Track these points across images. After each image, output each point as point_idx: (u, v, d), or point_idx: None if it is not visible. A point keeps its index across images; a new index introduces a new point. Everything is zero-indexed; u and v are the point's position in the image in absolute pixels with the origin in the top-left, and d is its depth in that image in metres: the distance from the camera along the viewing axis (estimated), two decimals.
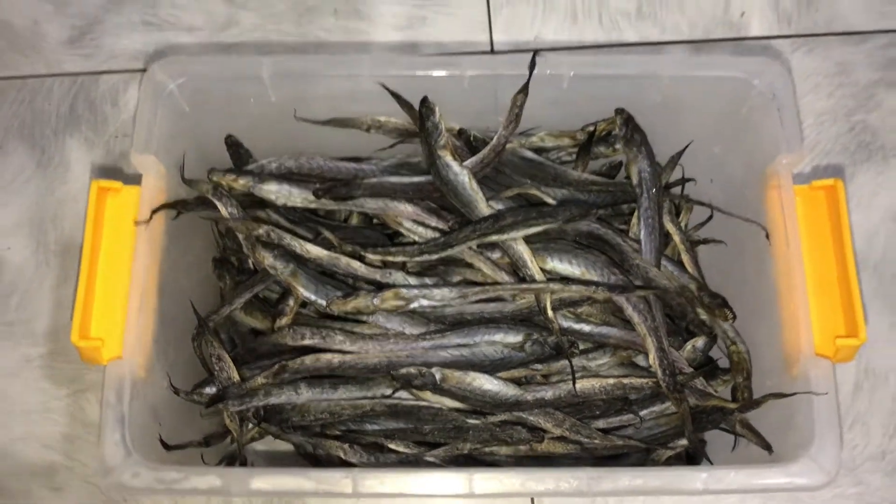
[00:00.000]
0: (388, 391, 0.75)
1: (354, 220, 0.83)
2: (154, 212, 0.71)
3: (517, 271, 0.76)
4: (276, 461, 0.86)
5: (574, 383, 0.73)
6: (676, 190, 0.87)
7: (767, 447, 0.71)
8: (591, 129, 0.82)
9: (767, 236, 0.73)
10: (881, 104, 1.02)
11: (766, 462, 0.70)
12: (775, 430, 0.71)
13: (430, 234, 0.78)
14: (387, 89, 0.75)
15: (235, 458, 0.79)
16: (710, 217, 0.85)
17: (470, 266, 0.77)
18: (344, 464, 0.76)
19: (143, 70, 1.04)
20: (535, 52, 0.73)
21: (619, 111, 0.79)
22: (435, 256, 0.75)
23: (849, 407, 0.92)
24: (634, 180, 0.77)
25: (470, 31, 1.06)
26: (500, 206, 0.77)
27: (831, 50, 1.04)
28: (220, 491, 0.64)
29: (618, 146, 0.81)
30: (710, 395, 0.74)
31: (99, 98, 1.04)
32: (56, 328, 0.95)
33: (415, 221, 0.78)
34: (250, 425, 0.78)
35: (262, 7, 1.07)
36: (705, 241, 0.85)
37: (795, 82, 1.03)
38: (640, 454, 0.78)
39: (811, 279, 0.70)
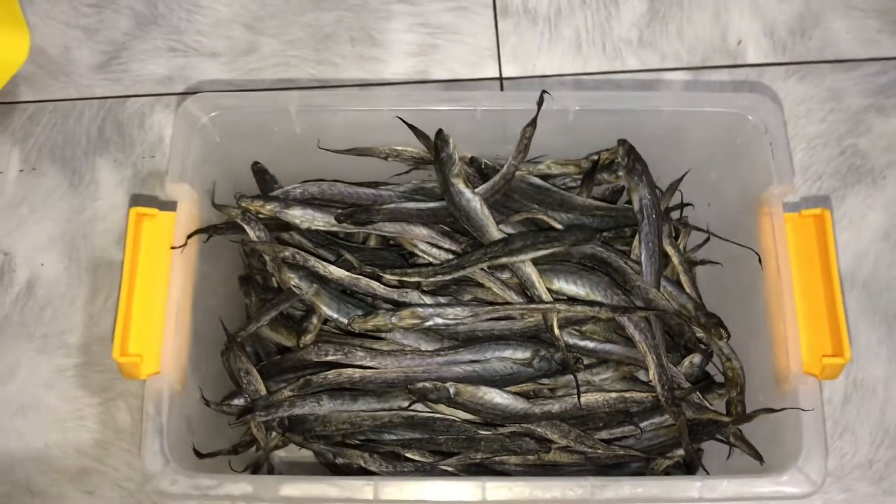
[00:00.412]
0: (405, 404, 0.80)
1: (373, 243, 0.89)
2: (189, 237, 0.76)
3: (525, 291, 0.80)
4: (298, 469, 0.91)
5: (579, 397, 0.78)
6: (676, 213, 0.92)
7: (759, 458, 0.76)
8: (595, 158, 0.87)
9: (760, 261, 0.78)
10: (871, 129, 1.07)
11: (757, 472, 0.75)
12: (766, 442, 0.76)
13: (443, 256, 0.83)
14: (405, 122, 0.80)
15: (261, 465, 0.85)
16: (707, 239, 0.90)
17: (481, 286, 0.82)
18: (363, 471, 0.81)
19: (169, 94, 1.10)
20: (543, 91, 0.78)
21: (622, 142, 0.84)
22: (449, 277, 0.80)
23: (838, 417, 0.97)
24: (636, 207, 0.82)
25: (479, 58, 1.11)
26: (509, 230, 0.83)
27: (823, 77, 1.09)
28: (252, 497, 0.69)
29: (620, 174, 0.86)
30: (705, 408, 0.79)
31: (126, 121, 1.09)
32: (88, 340, 1.00)
33: (429, 244, 0.83)
34: (275, 434, 0.84)
35: (281, 34, 1.12)
36: (703, 262, 0.90)
37: (789, 108, 1.08)
38: (641, 463, 0.83)
39: (800, 301, 0.75)
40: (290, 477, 0.70)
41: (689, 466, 0.84)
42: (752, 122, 0.79)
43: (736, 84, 1.09)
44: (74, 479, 0.95)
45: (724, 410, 0.82)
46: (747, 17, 1.12)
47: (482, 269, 0.80)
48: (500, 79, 1.10)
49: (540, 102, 0.79)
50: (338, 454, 0.82)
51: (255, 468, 0.85)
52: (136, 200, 1.05)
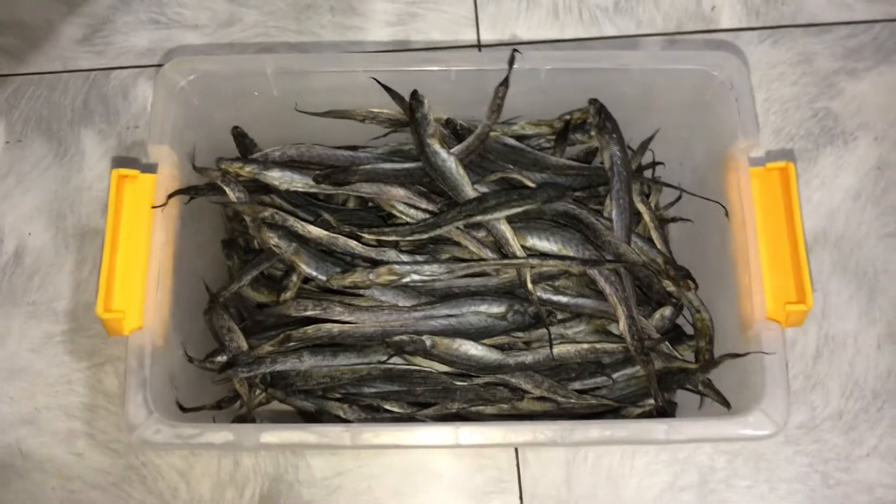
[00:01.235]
0: (383, 357, 0.82)
1: (351, 203, 0.91)
2: (169, 196, 0.78)
3: (500, 248, 0.82)
4: (281, 423, 0.93)
5: (551, 347, 0.80)
6: (648, 172, 0.94)
7: (726, 403, 0.79)
8: (568, 118, 0.89)
9: (727, 213, 0.80)
10: (842, 92, 1.09)
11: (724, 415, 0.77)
12: (733, 389, 0.79)
13: (420, 215, 0.85)
14: (380, 84, 0.82)
15: (245, 421, 0.87)
16: (679, 197, 0.92)
17: (457, 244, 0.84)
18: (344, 423, 0.83)
19: (152, 66, 1.11)
20: (514, 49, 0.80)
21: (593, 101, 0.86)
22: (425, 236, 0.82)
23: (810, 371, 0.99)
24: (607, 164, 0.84)
25: (458, 27, 1.12)
26: (484, 190, 0.84)
27: (795, 41, 1.11)
28: (233, 444, 0.71)
29: (592, 133, 0.88)
30: (674, 357, 0.81)
31: (111, 92, 1.11)
32: (75, 307, 1.02)
33: (407, 204, 0.85)
34: (258, 390, 0.86)
35: (263, 5, 1.13)
36: (674, 220, 0.93)
37: (762, 71, 1.10)
38: (613, 413, 0.85)
39: (765, 251, 0.77)
40: (269, 425, 0.72)
41: (662, 416, 0.86)
42: (719, 78, 0.81)
43: (710, 49, 1.11)
44: (64, 442, 0.97)
45: (694, 360, 0.84)
46: None
47: (458, 227, 0.82)
48: (479, 46, 1.11)
49: (511, 62, 0.80)
50: (318, 407, 0.84)
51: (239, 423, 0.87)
52: (122, 167, 1.05)
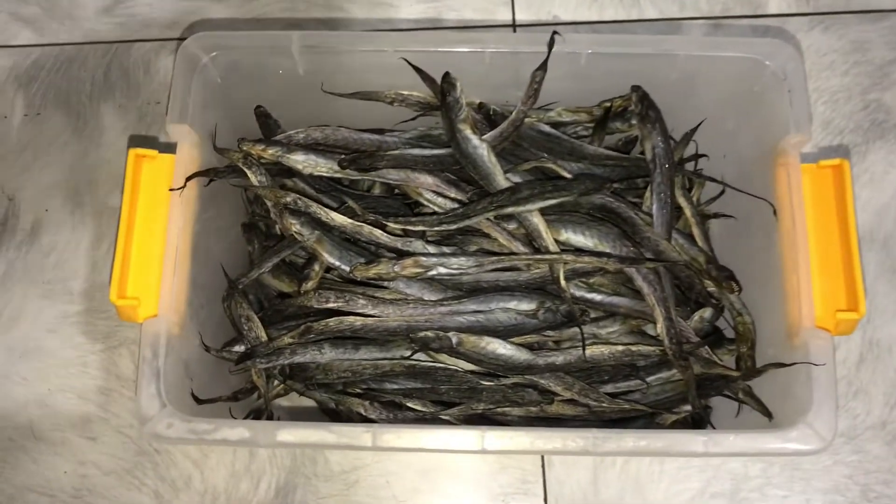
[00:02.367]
0: (407, 353, 0.78)
1: (377, 190, 0.87)
2: (188, 179, 0.74)
3: (532, 242, 0.78)
4: (299, 417, 0.91)
5: (584, 349, 0.76)
6: (690, 165, 0.90)
7: (768, 414, 0.74)
8: (608, 105, 0.84)
9: (775, 212, 0.75)
10: None
11: (766, 428, 0.73)
12: (776, 398, 0.74)
13: (449, 204, 0.81)
14: (410, 64, 0.78)
15: (262, 413, 0.84)
16: (722, 192, 0.87)
17: (487, 236, 0.80)
18: (364, 420, 0.80)
19: (174, 39, 1.08)
20: (554, 31, 0.76)
21: (635, 88, 0.81)
22: (453, 226, 0.78)
23: (853, 377, 0.94)
24: (648, 156, 0.80)
25: (492, 5, 1.08)
26: (517, 179, 0.80)
27: (848, 28, 1.05)
28: (249, 442, 0.68)
29: (633, 122, 0.83)
30: (714, 363, 0.77)
31: (132, 66, 1.07)
32: (91, 287, 0.99)
33: (435, 192, 0.81)
34: (276, 382, 0.83)
35: None
36: (716, 216, 0.88)
37: (812, 60, 1.04)
38: (646, 418, 0.81)
39: (815, 255, 0.72)
40: (287, 423, 0.69)
41: (697, 423, 0.82)
42: (771, 68, 0.76)
43: (757, 35, 1.05)
44: (77, 425, 0.95)
45: (734, 366, 0.79)
46: None
47: (488, 218, 0.78)
48: (514, 25, 1.07)
49: (550, 44, 0.76)
50: (338, 402, 0.81)
51: (256, 416, 0.84)
52: (140, 145, 1.02)
